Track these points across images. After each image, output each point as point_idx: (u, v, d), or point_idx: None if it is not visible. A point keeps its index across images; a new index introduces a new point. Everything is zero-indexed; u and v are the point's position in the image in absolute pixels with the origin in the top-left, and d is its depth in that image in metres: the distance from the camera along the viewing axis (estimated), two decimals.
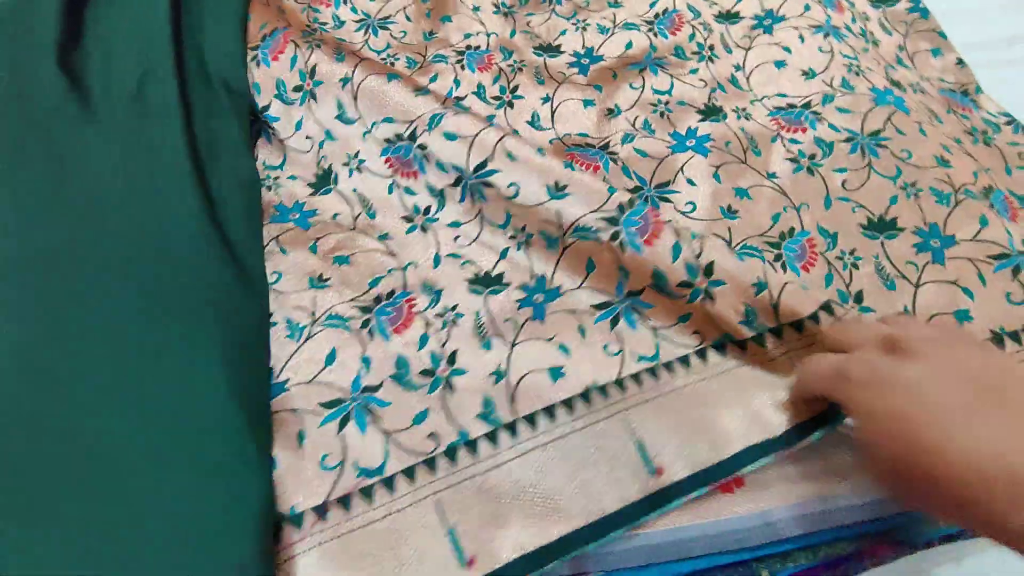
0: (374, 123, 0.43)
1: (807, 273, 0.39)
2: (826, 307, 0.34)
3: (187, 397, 0.35)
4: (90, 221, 0.41)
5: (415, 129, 0.42)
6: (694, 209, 0.41)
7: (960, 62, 0.53)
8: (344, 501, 0.32)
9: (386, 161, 0.43)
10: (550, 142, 0.46)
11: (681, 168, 0.43)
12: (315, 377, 0.35)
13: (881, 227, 0.40)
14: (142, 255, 0.39)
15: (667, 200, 0.42)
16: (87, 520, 0.32)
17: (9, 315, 0.38)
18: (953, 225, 0.40)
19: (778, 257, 0.39)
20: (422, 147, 0.41)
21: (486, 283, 0.39)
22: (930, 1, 0.56)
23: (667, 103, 0.47)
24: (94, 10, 0.51)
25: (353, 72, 0.44)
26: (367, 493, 0.32)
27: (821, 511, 0.32)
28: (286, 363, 0.36)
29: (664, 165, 0.44)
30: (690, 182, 0.43)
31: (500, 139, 0.40)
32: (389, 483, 0.32)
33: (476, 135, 0.40)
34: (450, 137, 0.40)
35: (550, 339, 0.36)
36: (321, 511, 0.31)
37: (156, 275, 0.39)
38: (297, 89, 0.46)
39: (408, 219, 0.42)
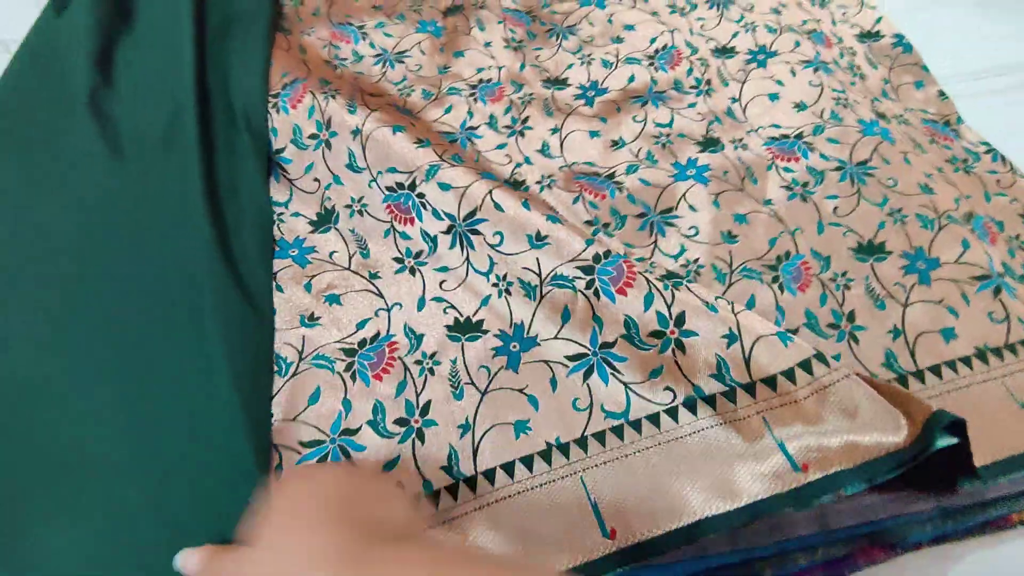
0: (379, 172, 0.46)
1: (803, 294, 0.42)
2: (804, 365, 0.35)
3: (198, 425, 0.37)
4: (114, 257, 0.44)
5: (415, 179, 0.44)
6: (697, 233, 0.44)
7: (942, 94, 0.56)
8: None
9: (387, 208, 0.45)
10: (560, 169, 0.49)
11: (683, 195, 0.46)
12: (299, 415, 0.37)
13: (870, 250, 0.43)
14: (161, 289, 0.42)
15: (672, 225, 0.45)
16: (88, 530, 0.34)
17: (35, 342, 0.41)
18: (937, 248, 0.43)
19: (775, 279, 0.42)
20: (420, 195, 0.44)
21: (464, 330, 0.40)
22: (913, 36, 0.60)
23: (668, 135, 0.50)
24: (125, 53, 0.54)
25: (364, 123, 0.46)
26: None
27: (818, 514, 0.34)
28: (272, 399, 0.38)
29: (667, 192, 0.47)
30: (692, 208, 0.46)
31: (489, 191, 0.42)
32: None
33: (467, 187, 0.42)
34: (444, 187, 0.43)
35: (521, 389, 0.38)
36: None
37: (173, 309, 0.41)
38: (313, 137, 0.48)
39: (399, 260, 0.44)
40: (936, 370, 0.38)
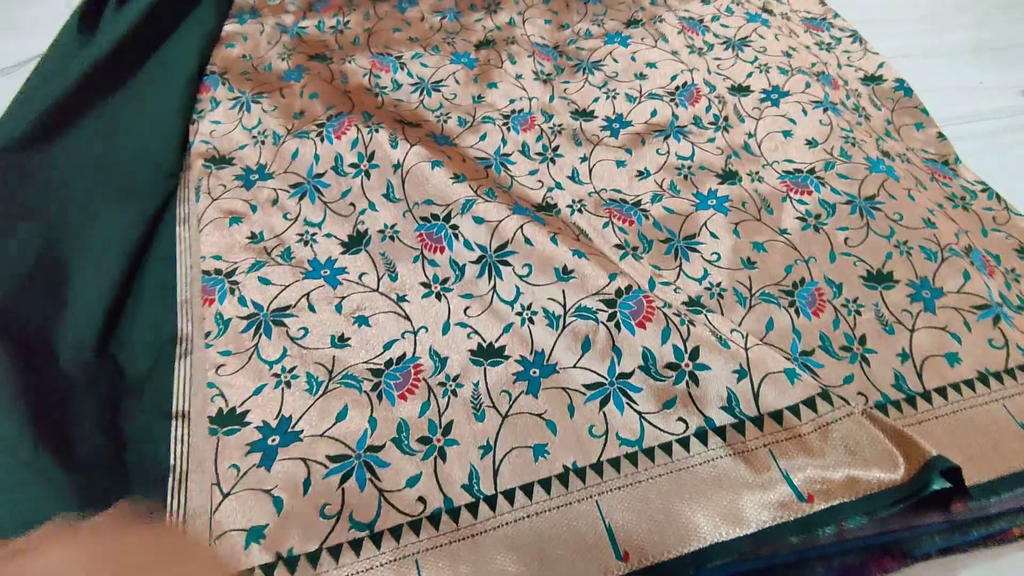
0: (416, 204, 0.48)
1: (817, 318, 0.44)
2: (808, 402, 0.37)
3: None
4: None
5: (450, 211, 0.47)
6: (719, 259, 0.47)
7: (940, 135, 0.60)
8: (335, 551, 0.35)
9: (418, 236, 0.48)
10: (589, 195, 0.52)
11: (705, 223, 0.50)
12: (326, 431, 0.39)
13: (879, 279, 0.46)
14: None
15: (695, 250, 0.48)
16: None
17: None
18: (941, 279, 0.46)
19: (792, 303, 0.45)
20: (454, 227, 0.47)
21: (487, 355, 0.42)
22: (913, 80, 0.64)
23: (689, 167, 0.54)
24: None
25: (404, 158, 0.49)
26: (356, 546, 0.35)
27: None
28: (303, 415, 0.40)
29: (690, 220, 0.50)
30: (713, 236, 0.49)
31: (520, 226, 0.45)
32: (377, 539, 0.35)
33: (500, 221, 0.45)
34: (478, 221, 0.46)
35: (540, 414, 0.39)
36: (314, 558, 0.34)
37: None
38: (353, 166, 0.51)
39: (426, 285, 0.46)
40: (942, 392, 0.41)
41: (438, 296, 0.45)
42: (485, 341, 0.43)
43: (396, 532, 0.35)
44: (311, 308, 0.44)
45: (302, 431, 0.39)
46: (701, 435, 0.38)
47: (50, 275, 0.46)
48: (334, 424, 0.39)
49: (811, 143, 0.56)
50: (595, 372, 0.41)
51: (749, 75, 0.62)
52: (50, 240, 0.47)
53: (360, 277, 0.47)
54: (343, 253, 0.48)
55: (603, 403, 0.39)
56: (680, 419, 0.38)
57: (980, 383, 0.41)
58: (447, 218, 0.47)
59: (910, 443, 0.35)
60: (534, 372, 0.41)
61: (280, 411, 0.39)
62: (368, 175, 0.50)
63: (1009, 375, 0.42)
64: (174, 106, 0.57)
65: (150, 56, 0.61)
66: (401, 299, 0.45)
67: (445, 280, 0.46)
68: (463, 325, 0.44)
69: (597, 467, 0.37)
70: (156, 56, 0.61)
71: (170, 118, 0.56)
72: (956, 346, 0.43)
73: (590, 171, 0.54)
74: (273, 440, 0.38)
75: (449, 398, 0.40)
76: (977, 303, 0.45)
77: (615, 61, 0.62)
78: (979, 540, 0.38)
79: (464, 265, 0.46)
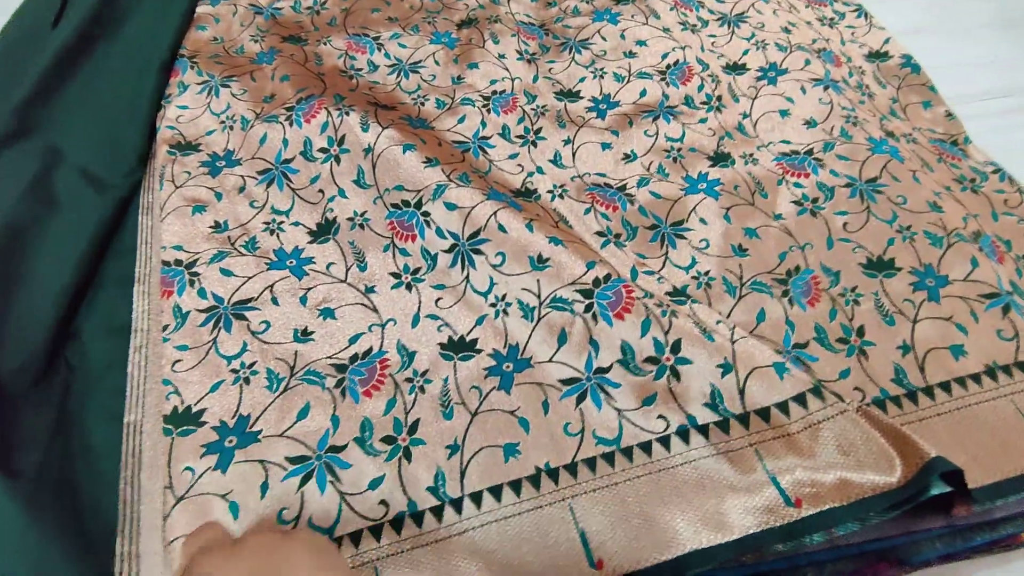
0: (386, 189, 0.46)
1: (813, 308, 0.42)
2: (798, 399, 0.35)
3: None
4: None
5: (421, 197, 0.45)
6: (708, 246, 0.45)
7: (949, 114, 0.57)
8: None
9: (389, 225, 0.45)
10: (571, 179, 0.49)
11: (694, 208, 0.47)
12: (286, 431, 0.37)
13: (880, 267, 0.43)
14: None
15: (683, 237, 0.45)
16: None
17: None
18: (946, 266, 0.43)
19: (785, 293, 0.42)
20: (425, 214, 0.44)
21: (458, 348, 0.40)
22: (921, 57, 0.61)
23: (679, 150, 0.51)
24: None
25: (375, 142, 0.47)
26: None
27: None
28: (261, 413, 0.37)
29: (678, 205, 0.47)
30: (703, 221, 0.46)
31: (494, 212, 0.42)
32: (335, 544, 0.33)
33: (473, 207, 0.43)
34: (450, 207, 0.43)
35: (512, 412, 0.37)
36: None
37: None
38: (323, 151, 0.49)
39: (396, 275, 0.43)
40: (946, 386, 0.38)
41: (408, 287, 0.43)
42: (456, 334, 0.41)
43: (355, 537, 0.33)
44: (274, 301, 0.42)
45: (260, 431, 0.37)
46: (683, 434, 0.35)
47: (4, 271, 0.44)
48: (294, 423, 0.37)
49: (810, 123, 0.52)
50: (571, 366, 0.38)
51: (745, 52, 0.58)
52: (7, 234, 0.45)
53: (327, 267, 0.44)
54: (311, 242, 0.46)
55: (579, 399, 0.37)
56: (660, 416, 0.36)
57: (987, 377, 0.39)
58: (418, 204, 0.45)
59: (908, 443, 0.33)
60: (507, 367, 0.39)
61: (238, 410, 0.37)
62: (338, 160, 0.48)
63: (1019, 368, 0.39)
64: (146, 93, 0.55)
65: (118, 36, 0.59)
66: (369, 290, 0.43)
67: (416, 270, 0.44)
68: (434, 317, 0.41)
69: (571, 468, 0.35)
70: (128, 40, 0.59)
71: (142, 106, 0.54)
72: (962, 337, 0.40)
73: (573, 154, 0.51)
74: (230, 441, 0.36)
75: (416, 395, 0.38)
76: (985, 291, 0.42)
77: (603, 39, 0.59)
78: (983, 546, 0.36)
79: (436, 254, 0.44)
